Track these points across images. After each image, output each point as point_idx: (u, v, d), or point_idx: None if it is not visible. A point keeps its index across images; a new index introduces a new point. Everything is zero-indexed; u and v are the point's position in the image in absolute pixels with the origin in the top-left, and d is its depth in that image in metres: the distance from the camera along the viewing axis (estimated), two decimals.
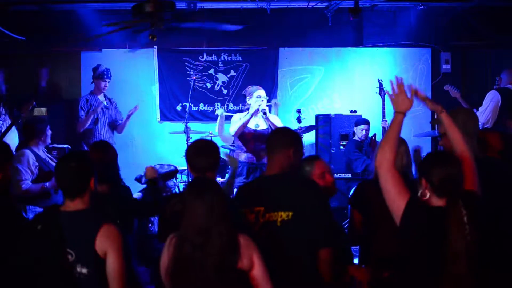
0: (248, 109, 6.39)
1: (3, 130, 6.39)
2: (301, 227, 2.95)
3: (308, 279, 2.96)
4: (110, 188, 3.83)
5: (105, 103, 7.40)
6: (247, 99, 6.44)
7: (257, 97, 6.29)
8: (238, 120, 6.35)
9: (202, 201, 2.61)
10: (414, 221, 2.66)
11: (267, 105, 6.32)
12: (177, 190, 6.82)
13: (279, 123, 6.27)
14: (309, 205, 2.99)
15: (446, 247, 2.52)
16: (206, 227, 2.58)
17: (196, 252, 2.57)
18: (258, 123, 6.34)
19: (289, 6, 7.76)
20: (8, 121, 6.55)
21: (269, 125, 6.21)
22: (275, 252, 2.89)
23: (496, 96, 6.40)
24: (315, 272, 2.98)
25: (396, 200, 2.70)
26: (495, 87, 6.70)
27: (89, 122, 7.17)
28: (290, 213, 2.95)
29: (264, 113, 6.18)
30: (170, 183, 6.76)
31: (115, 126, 7.47)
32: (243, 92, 6.73)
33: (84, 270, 2.67)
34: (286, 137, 3.23)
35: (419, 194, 2.69)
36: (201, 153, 3.27)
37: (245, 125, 6.27)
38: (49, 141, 5.42)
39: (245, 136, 6.32)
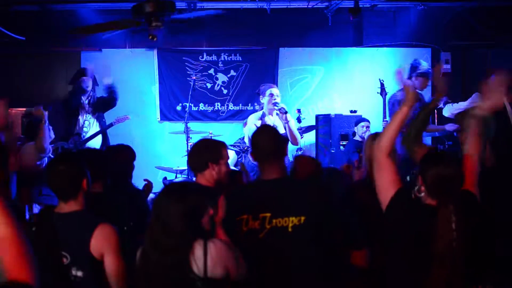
0: (262, 108, 6.34)
1: (89, 129, 6.80)
2: (316, 231, 2.83)
3: (321, 279, 2.88)
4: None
5: None
6: (260, 98, 6.38)
7: (269, 95, 6.21)
8: (254, 121, 6.19)
9: (156, 213, 2.42)
10: (400, 209, 2.71)
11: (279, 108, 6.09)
12: None
13: (294, 126, 6.19)
14: (322, 208, 2.86)
15: (430, 247, 2.54)
16: (160, 240, 2.38)
17: (153, 265, 2.39)
18: (275, 124, 6.09)
19: (289, 6, 7.75)
20: (93, 120, 6.96)
21: (284, 126, 6.07)
22: (286, 258, 2.80)
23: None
24: (328, 272, 2.91)
25: (389, 188, 2.74)
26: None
27: None
28: (302, 218, 2.79)
29: (284, 112, 6.01)
30: None
31: None
32: (256, 91, 6.62)
33: (80, 273, 2.61)
34: (282, 141, 3.12)
35: (415, 189, 2.71)
36: (194, 152, 3.16)
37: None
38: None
39: None
